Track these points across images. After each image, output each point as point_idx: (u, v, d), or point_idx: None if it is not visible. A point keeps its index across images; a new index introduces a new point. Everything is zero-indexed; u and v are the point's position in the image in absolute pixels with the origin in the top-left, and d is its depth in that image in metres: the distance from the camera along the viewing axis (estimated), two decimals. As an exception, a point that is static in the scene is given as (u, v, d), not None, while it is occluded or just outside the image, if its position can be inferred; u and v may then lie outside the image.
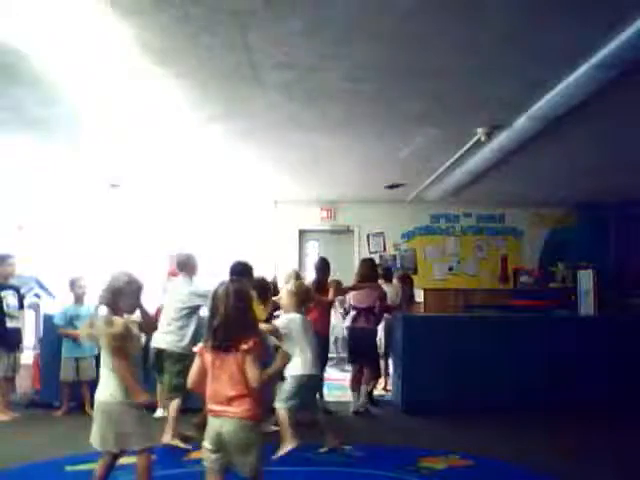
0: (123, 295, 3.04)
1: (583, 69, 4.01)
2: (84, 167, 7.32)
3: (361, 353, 5.88)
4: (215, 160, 6.90)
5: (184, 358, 4.35)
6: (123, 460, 3.98)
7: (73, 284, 5.79)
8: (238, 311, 2.64)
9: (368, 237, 9.81)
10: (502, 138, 5.66)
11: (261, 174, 7.69)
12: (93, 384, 5.62)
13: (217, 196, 9.20)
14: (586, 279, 8.68)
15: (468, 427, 5.12)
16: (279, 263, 9.41)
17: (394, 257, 9.77)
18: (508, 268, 9.81)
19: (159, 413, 5.48)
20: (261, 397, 2.73)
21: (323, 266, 6.05)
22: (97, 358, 5.41)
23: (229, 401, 2.62)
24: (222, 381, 2.64)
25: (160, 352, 4.67)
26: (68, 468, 3.89)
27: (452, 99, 4.83)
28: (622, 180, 7.72)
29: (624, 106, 4.85)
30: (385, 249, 9.81)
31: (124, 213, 9.26)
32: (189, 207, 9.43)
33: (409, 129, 5.66)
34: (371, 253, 9.73)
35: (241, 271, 5.14)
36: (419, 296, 9.54)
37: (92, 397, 5.29)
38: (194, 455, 4.14)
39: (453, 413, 5.47)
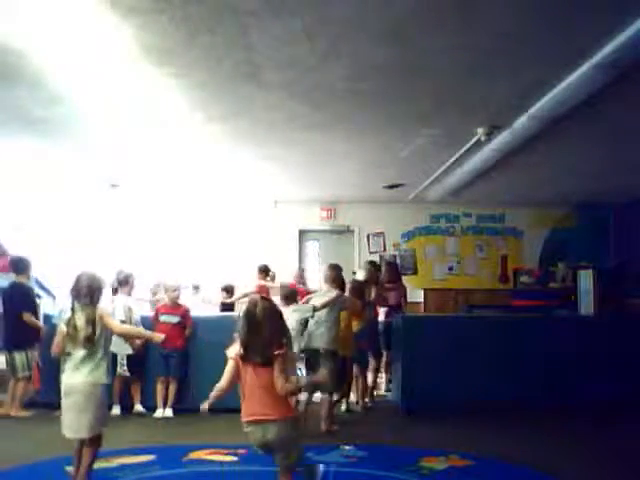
0: (100, 294, 3.40)
1: (583, 69, 4.02)
2: (84, 167, 7.32)
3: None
4: (215, 160, 6.90)
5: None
6: (124, 460, 3.99)
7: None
8: (277, 331, 2.83)
9: (368, 237, 9.82)
10: (502, 138, 5.66)
11: (261, 174, 7.69)
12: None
13: (217, 196, 9.21)
14: (586, 279, 8.68)
15: (468, 427, 5.11)
16: (279, 263, 9.42)
17: (394, 257, 9.77)
18: (508, 268, 9.81)
19: (159, 413, 5.49)
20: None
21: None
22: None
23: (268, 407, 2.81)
24: (259, 390, 2.82)
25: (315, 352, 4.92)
26: (68, 468, 3.88)
27: (452, 99, 4.83)
28: (622, 180, 7.72)
29: (624, 106, 4.85)
30: (385, 249, 9.81)
31: (124, 213, 9.26)
32: (189, 207, 9.44)
33: (409, 129, 5.67)
34: (371, 253, 9.74)
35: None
36: (419, 296, 9.58)
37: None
38: (194, 455, 4.14)
39: (453, 413, 5.46)
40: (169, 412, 5.49)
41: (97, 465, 3.92)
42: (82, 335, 3.23)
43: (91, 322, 3.25)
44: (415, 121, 5.40)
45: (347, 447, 4.43)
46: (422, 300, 9.59)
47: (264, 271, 7.66)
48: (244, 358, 2.82)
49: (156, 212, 9.36)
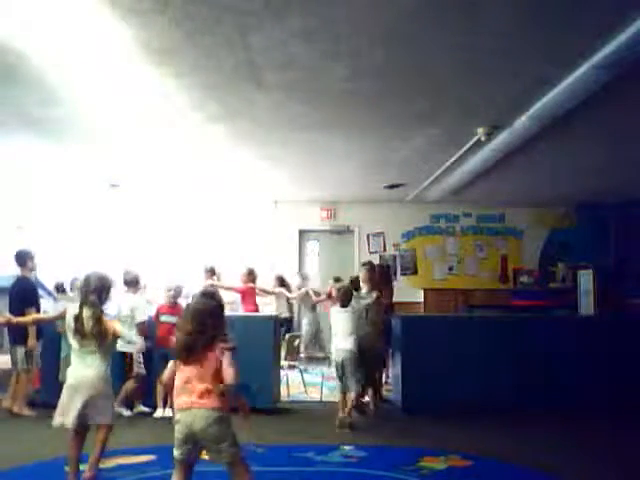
0: (108, 293, 3.56)
1: (583, 69, 4.02)
2: (84, 167, 7.32)
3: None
4: (215, 160, 6.91)
5: None
6: (124, 460, 3.99)
7: (72, 284, 5.85)
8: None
9: (368, 237, 9.82)
10: (502, 138, 5.66)
11: (261, 174, 7.69)
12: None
13: (217, 196, 9.21)
14: (586, 279, 8.69)
15: (468, 427, 5.11)
16: (279, 263, 9.43)
17: (394, 257, 9.77)
18: (508, 268, 9.80)
19: (159, 413, 5.49)
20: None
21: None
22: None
23: None
24: None
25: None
26: (68, 468, 3.88)
27: (452, 99, 4.84)
28: (622, 180, 7.72)
29: (624, 106, 4.85)
30: (385, 249, 9.81)
31: (124, 213, 9.26)
32: (189, 207, 9.44)
33: (409, 129, 5.67)
34: (371, 253, 9.74)
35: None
36: (419, 296, 9.58)
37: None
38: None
39: (453, 413, 5.46)
40: (169, 412, 5.48)
41: (97, 465, 3.93)
42: (88, 331, 3.37)
43: (97, 320, 3.38)
44: (415, 121, 5.40)
45: (347, 447, 4.43)
46: (422, 300, 9.59)
47: (210, 271, 7.65)
48: None
49: (156, 212, 9.36)
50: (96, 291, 3.46)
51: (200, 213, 9.48)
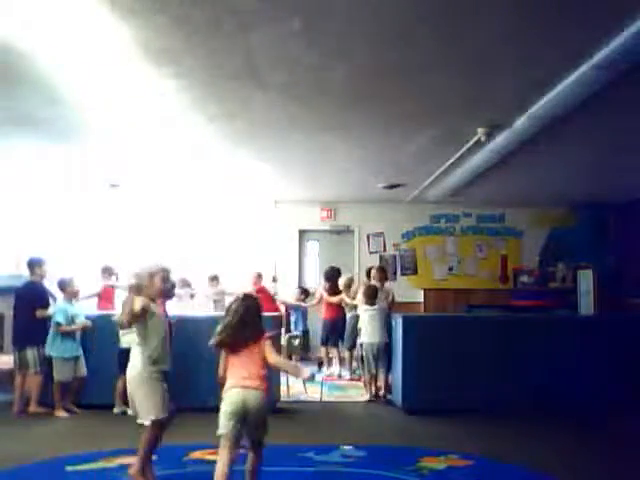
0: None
1: (583, 69, 4.02)
2: (84, 167, 7.32)
3: None
4: (215, 160, 6.90)
5: None
6: (124, 460, 3.99)
7: (65, 284, 5.88)
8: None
9: (368, 237, 9.82)
10: (502, 138, 5.66)
11: (261, 174, 7.69)
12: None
13: (217, 196, 9.21)
14: (586, 279, 8.70)
15: (468, 427, 5.12)
16: (279, 263, 9.43)
17: (394, 257, 9.77)
18: (508, 268, 9.80)
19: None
20: None
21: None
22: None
23: None
24: None
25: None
26: (68, 468, 3.89)
27: (452, 99, 4.83)
28: (622, 180, 7.72)
29: (624, 106, 4.85)
30: (385, 249, 9.81)
31: (124, 213, 9.26)
32: (189, 207, 9.44)
33: (409, 129, 5.67)
34: (371, 253, 9.75)
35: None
36: (419, 296, 9.59)
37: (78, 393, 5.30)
38: (194, 455, 4.14)
39: (453, 413, 5.47)
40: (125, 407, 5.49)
41: (97, 465, 3.94)
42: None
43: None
44: (415, 121, 5.40)
45: (347, 447, 4.43)
46: (422, 300, 9.60)
47: (106, 271, 7.66)
48: None
49: (156, 212, 9.36)
50: (139, 287, 3.59)
51: (200, 213, 9.48)
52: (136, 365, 3.52)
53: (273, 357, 3.34)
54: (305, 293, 8.49)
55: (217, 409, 3.15)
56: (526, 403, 5.57)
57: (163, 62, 4.07)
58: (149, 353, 3.51)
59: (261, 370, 3.25)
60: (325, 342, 7.78)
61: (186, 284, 8.00)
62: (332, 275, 7.81)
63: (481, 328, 6.07)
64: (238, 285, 7.70)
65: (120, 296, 6.64)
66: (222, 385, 3.26)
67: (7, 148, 6.43)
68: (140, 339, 3.55)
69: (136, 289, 3.66)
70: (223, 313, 3.48)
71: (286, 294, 8.77)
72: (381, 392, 6.34)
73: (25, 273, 6.54)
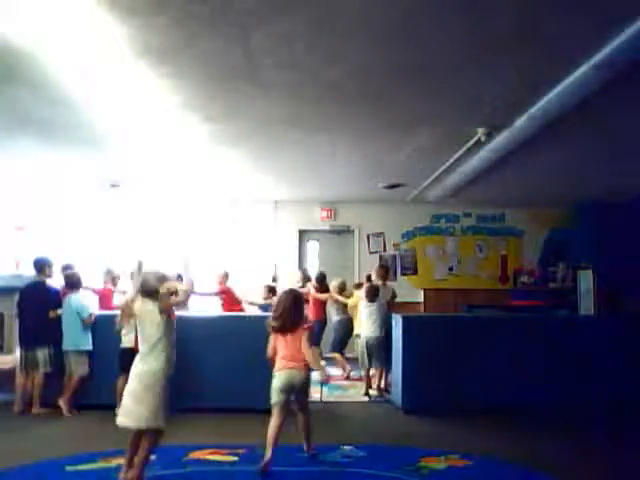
0: None
1: (583, 69, 4.02)
2: (84, 167, 7.32)
3: None
4: (215, 160, 6.90)
5: None
6: (125, 460, 3.98)
7: (79, 280, 5.98)
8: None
9: (368, 237, 9.82)
10: (502, 138, 5.65)
11: (261, 174, 7.69)
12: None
13: (217, 196, 9.21)
14: (586, 279, 8.69)
15: (468, 427, 5.12)
16: (279, 263, 9.43)
17: (394, 257, 9.77)
18: (508, 268, 9.81)
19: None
20: None
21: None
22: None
23: None
24: None
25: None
26: (68, 468, 3.89)
27: (452, 99, 4.83)
28: (622, 180, 7.72)
29: (624, 106, 4.85)
30: (385, 249, 9.81)
31: (124, 213, 9.27)
32: (189, 207, 9.44)
33: (409, 129, 5.67)
34: (371, 253, 9.75)
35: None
36: (419, 296, 9.59)
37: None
38: (194, 455, 4.14)
39: (453, 413, 5.47)
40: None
41: (97, 465, 3.94)
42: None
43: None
44: (415, 121, 5.40)
45: (347, 447, 4.43)
46: (422, 300, 9.60)
47: (109, 274, 7.65)
48: None
49: (156, 212, 9.36)
50: (154, 289, 3.55)
51: (200, 213, 9.49)
52: (153, 366, 3.48)
53: (306, 348, 4.08)
54: (272, 291, 8.22)
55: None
56: (526, 403, 5.57)
57: (163, 62, 4.07)
58: (168, 355, 3.52)
59: (300, 352, 4.05)
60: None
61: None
62: (323, 278, 8.00)
63: (481, 328, 6.07)
64: (201, 284, 7.61)
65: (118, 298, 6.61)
66: (272, 362, 4.12)
67: (7, 148, 6.42)
68: (164, 339, 3.52)
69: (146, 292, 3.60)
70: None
71: (254, 294, 8.36)
72: (372, 390, 6.53)
73: (25, 273, 6.56)
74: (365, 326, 6.60)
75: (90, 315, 5.79)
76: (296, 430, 4.22)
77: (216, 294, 7.92)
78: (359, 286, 7.60)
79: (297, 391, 4.08)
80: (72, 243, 8.70)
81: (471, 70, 4.24)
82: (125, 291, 6.57)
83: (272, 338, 4.17)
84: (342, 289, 7.65)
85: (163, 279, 3.61)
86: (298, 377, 4.05)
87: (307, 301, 7.59)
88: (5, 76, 4.30)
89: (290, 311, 4.14)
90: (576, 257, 9.26)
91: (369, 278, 7.46)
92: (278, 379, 4.07)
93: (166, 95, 4.72)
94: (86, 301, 5.99)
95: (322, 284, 7.87)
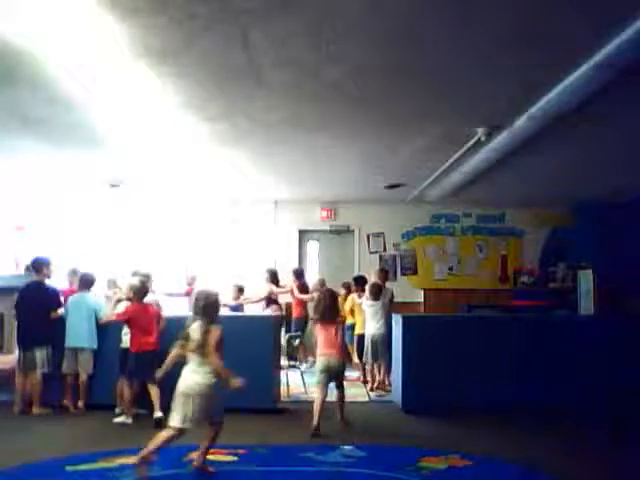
0: (213, 310, 3.94)
1: (583, 69, 4.02)
2: (84, 167, 7.32)
3: None
4: (215, 160, 6.90)
5: None
6: (124, 460, 4.00)
7: (93, 280, 6.05)
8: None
9: (368, 237, 9.81)
10: (502, 138, 5.65)
11: (261, 174, 7.69)
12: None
13: (217, 196, 9.21)
14: (586, 279, 8.69)
15: (468, 427, 5.12)
16: (279, 263, 9.42)
17: (394, 257, 9.77)
18: (508, 268, 9.80)
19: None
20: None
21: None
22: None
23: None
24: None
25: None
26: (68, 468, 3.89)
27: (452, 99, 4.83)
28: (622, 180, 7.72)
29: (624, 106, 4.85)
30: (385, 249, 9.81)
31: (124, 213, 9.27)
32: (189, 207, 9.44)
33: (409, 129, 5.67)
34: (371, 253, 9.75)
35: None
36: (419, 296, 9.59)
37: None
38: (194, 455, 4.14)
39: (453, 413, 5.47)
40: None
41: (97, 465, 3.95)
42: (194, 344, 3.76)
43: (203, 334, 3.76)
44: (415, 121, 5.40)
45: (347, 447, 4.43)
46: (422, 300, 9.60)
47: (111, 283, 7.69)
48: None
49: (156, 212, 9.36)
50: (203, 308, 3.84)
51: (200, 213, 9.49)
52: (206, 377, 3.75)
53: (339, 338, 5.13)
54: (241, 291, 8.37)
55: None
56: (526, 403, 5.56)
57: (163, 62, 4.07)
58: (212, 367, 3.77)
59: (335, 341, 5.06)
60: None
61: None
62: (301, 274, 8.31)
63: (481, 328, 6.07)
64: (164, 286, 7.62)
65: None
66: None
67: (7, 148, 6.42)
68: (214, 353, 3.78)
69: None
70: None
71: (253, 294, 8.42)
72: (376, 384, 6.78)
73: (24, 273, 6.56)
74: (370, 324, 6.81)
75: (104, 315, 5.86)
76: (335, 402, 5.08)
77: (185, 295, 8.05)
78: (347, 286, 8.00)
79: (334, 372, 5.05)
80: (72, 243, 8.71)
81: (471, 70, 4.24)
82: (120, 298, 6.54)
83: (315, 329, 5.24)
84: (322, 285, 7.83)
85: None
86: (333, 361, 5.04)
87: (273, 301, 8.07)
88: (5, 76, 4.30)
89: (327, 307, 5.12)
90: (576, 257, 9.26)
91: (348, 287, 7.91)
92: (319, 362, 5.11)
93: (166, 95, 4.72)
94: (101, 300, 6.04)
95: (300, 280, 8.16)
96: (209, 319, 3.83)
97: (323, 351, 5.06)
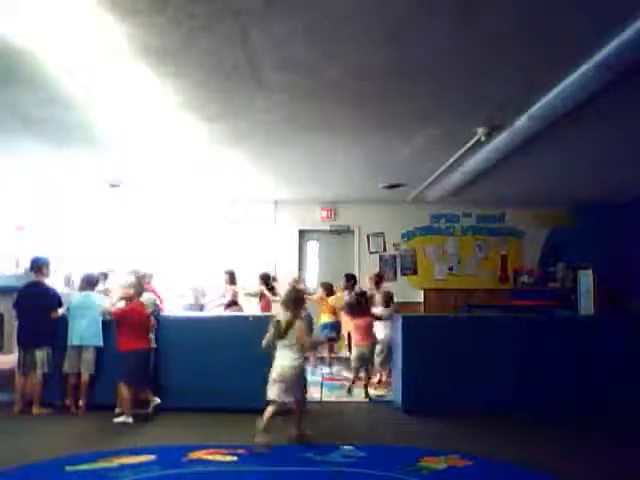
0: (296, 303, 4.78)
1: (583, 69, 4.02)
2: (84, 167, 7.32)
3: None
4: (215, 160, 6.90)
5: None
6: (124, 460, 4.00)
7: (97, 280, 6.10)
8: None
9: (368, 237, 9.81)
10: (502, 138, 5.66)
11: (261, 174, 7.69)
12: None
13: (217, 196, 9.21)
14: (586, 279, 8.69)
15: (468, 427, 5.12)
16: (279, 263, 9.43)
17: (394, 257, 9.78)
18: (508, 268, 9.80)
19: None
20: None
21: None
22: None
23: None
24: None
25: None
26: (68, 468, 3.89)
27: (452, 99, 4.83)
28: (622, 180, 7.72)
29: (624, 106, 4.85)
30: (385, 249, 9.81)
31: (124, 213, 9.26)
32: (189, 207, 9.44)
33: (409, 129, 5.67)
34: (371, 253, 9.75)
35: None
36: (419, 296, 9.59)
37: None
38: (194, 455, 4.14)
39: (453, 413, 5.47)
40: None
41: (97, 465, 3.95)
42: (285, 332, 4.59)
43: (288, 325, 4.59)
44: (415, 121, 5.40)
45: (347, 447, 4.43)
46: (422, 300, 9.60)
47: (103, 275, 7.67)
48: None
49: (156, 212, 9.36)
50: (290, 303, 4.71)
51: (200, 213, 9.49)
52: (295, 361, 4.58)
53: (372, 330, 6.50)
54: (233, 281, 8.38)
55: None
56: (526, 403, 5.57)
57: (163, 62, 4.07)
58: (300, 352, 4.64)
59: (367, 333, 6.44)
60: None
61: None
62: (267, 278, 8.23)
63: (481, 328, 6.07)
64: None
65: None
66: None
67: (7, 148, 6.42)
68: (302, 337, 4.64)
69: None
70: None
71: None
72: (373, 389, 6.82)
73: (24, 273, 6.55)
74: (381, 328, 6.90)
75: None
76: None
77: None
78: (326, 287, 7.99)
79: (366, 359, 6.43)
80: (72, 243, 8.71)
81: (471, 70, 4.24)
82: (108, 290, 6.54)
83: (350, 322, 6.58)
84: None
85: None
86: (365, 350, 6.41)
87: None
88: (5, 76, 4.30)
89: (357, 304, 6.55)
90: (576, 257, 9.26)
91: (329, 288, 7.94)
92: (354, 351, 6.49)
93: (166, 95, 4.72)
94: (105, 299, 6.04)
95: (267, 284, 8.13)
96: (296, 311, 4.69)
97: (356, 342, 6.46)
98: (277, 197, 9.43)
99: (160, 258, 8.73)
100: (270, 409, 4.47)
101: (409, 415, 5.61)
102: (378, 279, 7.73)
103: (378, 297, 7.20)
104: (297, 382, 4.55)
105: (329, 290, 7.95)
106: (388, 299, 7.10)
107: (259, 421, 4.40)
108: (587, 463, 4.13)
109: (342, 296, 7.69)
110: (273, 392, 4.50)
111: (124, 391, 5.30)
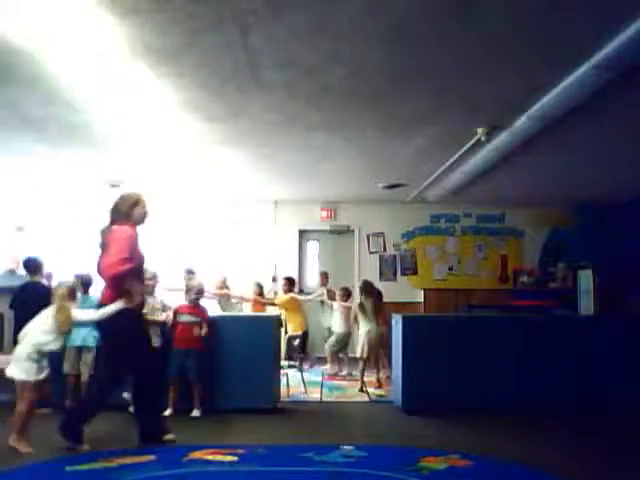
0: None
1: (583, 69, 4.02)
2: (84, 167, 7.32)
3: None
4: (215, 160, 6.91)
5: None
6: (124, 460, 4.00)
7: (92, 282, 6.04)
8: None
9: (368, 237, 9.82)
10: (502, 138, 5.66)
11: (261, 174, 7.69)
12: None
13: (217, 196, 9.21)
14: (586, 279, 8.68)
15: (468, 427, 5.12)
16: (279, 263, 9.43)
17: (394, 257, 9.78)
18: (508, 268, 9.80)
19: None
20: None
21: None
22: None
23: None
24: None
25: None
26: (68, 468, 3.89)
27: (452, 99, 4.84)
28: (622, 180, 7.73)
29: (624, 106, 4.86)
30: (385, 249, 9.81)
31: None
32: (189, 207, 9.44)
33: (409, 129, 5.67)
34: (371, 253, 9.75)
35: None
36: (419, 296, 9.59)
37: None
38: (194, 455, 4.14)
39: (453, 413, 5.47)
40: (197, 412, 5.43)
41: (97, 465, 3.94)
42: (368, 311, 6.54)
43: (373, 305, 6.68)
44: (415, 121, 5.41)
45: (347, 447, 4.43)
46: (422, 300, 9.60)
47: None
48: None
49: (156, 212, 9.32)
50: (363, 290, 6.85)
51: (200, 213, 9.49)
52: (375, 328, 6.77)
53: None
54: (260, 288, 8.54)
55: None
56: (526, 403, 5.56)
57: (163, 62, 4.07)
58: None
59: (383, 318, 6.97)
60: None
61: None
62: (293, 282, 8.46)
63: (481, 328, 6.07)
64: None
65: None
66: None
67: (7, 148, 6.43)
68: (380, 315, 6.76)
69: None
70: None
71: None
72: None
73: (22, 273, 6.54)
74: (338, 322, 7.88)
75: None
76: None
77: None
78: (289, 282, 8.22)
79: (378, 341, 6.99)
80: (72, 244, 8.71)
81: (471, 70, 4.24)
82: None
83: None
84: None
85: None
86: (380, 333, 6.97)
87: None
88: (5, 76, 4.30)
89: (368, 294, 7.12)
90: (576, 257, 9.25)
91: (291, 282, 8.24)
92: (370, 333, 6.96)
93: (166, 95, 4.73)
94: None
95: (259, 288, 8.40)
96: (372, 297, 6.93)
97: (374, 326, 7.01)
98: (277, 197, 9.44)
99: (160, 258, 8.72)
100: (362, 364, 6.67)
101: (409, 415, 5.61)
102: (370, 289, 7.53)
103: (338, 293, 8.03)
104: (377, 342, 6.82)
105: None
106: (378, 295, 7.49)
107: None
108: (587, 463, 4.13)
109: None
110: (360, 348, 6.79)
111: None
